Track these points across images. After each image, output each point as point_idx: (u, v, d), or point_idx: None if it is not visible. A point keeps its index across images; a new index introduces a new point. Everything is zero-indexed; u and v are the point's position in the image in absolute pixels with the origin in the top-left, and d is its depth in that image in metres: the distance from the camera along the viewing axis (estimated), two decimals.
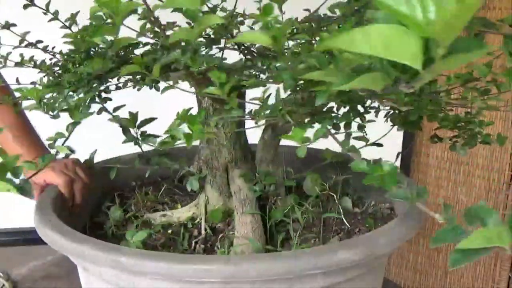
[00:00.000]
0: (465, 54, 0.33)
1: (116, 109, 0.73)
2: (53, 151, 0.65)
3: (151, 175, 0.97)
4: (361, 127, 0.65)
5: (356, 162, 0.55)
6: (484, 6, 1.32)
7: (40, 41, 0.84)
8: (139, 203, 0.91)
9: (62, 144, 0.65)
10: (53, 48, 0.83)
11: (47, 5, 0.74)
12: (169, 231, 0.81)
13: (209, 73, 0.49)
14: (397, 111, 0.68)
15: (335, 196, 0.86)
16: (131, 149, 0.91)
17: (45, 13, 0.74)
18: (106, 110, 0.73)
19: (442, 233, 0.44)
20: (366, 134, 0.67)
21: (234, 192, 0.81)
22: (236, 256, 0.67)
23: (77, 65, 0.74)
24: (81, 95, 0.72)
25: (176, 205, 0.92)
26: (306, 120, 0.61)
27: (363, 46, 0.30)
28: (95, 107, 0.70)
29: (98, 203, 0.92)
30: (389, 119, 0.75)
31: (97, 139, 1.02)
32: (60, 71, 0.77)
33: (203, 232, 0.80)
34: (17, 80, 0.83)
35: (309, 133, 0.62)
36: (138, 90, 0.74)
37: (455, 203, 1.54)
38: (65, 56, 0.79)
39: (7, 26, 0.85)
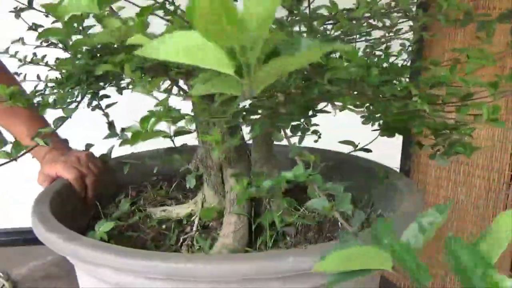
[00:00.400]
0: (291, 57, 0.31)
1: (108, 106, 0.76)
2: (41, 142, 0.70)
3: (171, 171, 1.01)
4: (304, 130, 0.62)
5: (295, 168, 0.53)
6: (484, 6, 1.20)
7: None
8: (149, 198, 0.94)
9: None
10: None
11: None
12: (163, 226, 0.83)
13: (131, 73, 0.50)
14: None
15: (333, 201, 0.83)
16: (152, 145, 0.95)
17: (46, 16, 0.79)
18: (100, 108, 0.77)
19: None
20: (320, 137, 0.64)
21: (226, 191, 0.82)
22: (186, 255, 0.68)
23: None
24: (76, 92, 0.76)
25: (186, 201, 0.94)
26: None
27: (168, 53, 0.30)
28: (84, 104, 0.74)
29: (114, 196, 0.96)
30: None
31: None
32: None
33: (194, 229, 0.81)
34: (38, 76, 0.89)
35: None
36: (122, 89, 0.76)
37: (455, 203, 1.49)
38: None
39: (35, 27, 0.92)
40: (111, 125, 0.75)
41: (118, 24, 0.44)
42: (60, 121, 0.71)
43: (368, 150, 0.73)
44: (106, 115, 0.76)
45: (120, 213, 0.89)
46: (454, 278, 1.48)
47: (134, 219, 0.86)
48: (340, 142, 0.72)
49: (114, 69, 0.65)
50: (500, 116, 1.23)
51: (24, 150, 0.65)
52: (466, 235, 1.48)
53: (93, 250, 0.60)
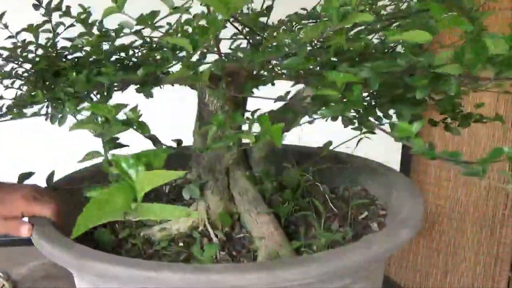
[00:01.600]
0: None
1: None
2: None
3: None
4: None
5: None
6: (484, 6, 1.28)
7: None
8: (119, 221, 0.83)
9: None
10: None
11: None
12: (180, 244, 0.77)
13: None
14: None
15: (320, 186, 0.90)
16: None
17: None
18: None
19: None
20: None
21: (240, 194, 0.80)
22: (263, 263, 0.67)
23: (75, 73, 0.66)
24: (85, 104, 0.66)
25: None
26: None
27: None
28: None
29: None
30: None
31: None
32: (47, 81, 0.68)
33: (215, 239, 0.77)
34: None
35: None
36: (146, 97, 0.69)
37: (455, 203, 1.53)
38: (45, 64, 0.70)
39: None
40: (156, 141, 0.65)
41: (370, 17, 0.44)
42: (110, 144, 0.60)
43: (372, 132, 0.81)
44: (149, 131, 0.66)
45: (108, 243, 0.77)
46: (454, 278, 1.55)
47: (128, 247, 0.77)
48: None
49: (188, 74, 0.60)
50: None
51: None
52: (466, 235, 1.49)
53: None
